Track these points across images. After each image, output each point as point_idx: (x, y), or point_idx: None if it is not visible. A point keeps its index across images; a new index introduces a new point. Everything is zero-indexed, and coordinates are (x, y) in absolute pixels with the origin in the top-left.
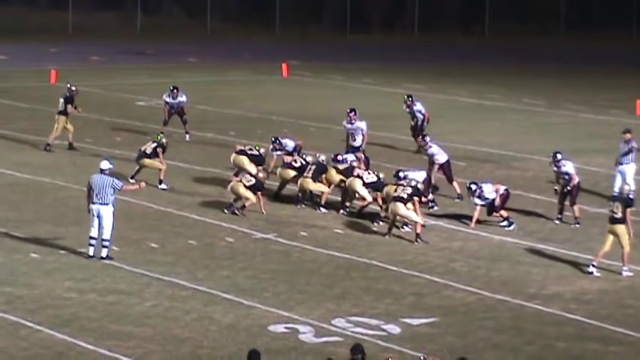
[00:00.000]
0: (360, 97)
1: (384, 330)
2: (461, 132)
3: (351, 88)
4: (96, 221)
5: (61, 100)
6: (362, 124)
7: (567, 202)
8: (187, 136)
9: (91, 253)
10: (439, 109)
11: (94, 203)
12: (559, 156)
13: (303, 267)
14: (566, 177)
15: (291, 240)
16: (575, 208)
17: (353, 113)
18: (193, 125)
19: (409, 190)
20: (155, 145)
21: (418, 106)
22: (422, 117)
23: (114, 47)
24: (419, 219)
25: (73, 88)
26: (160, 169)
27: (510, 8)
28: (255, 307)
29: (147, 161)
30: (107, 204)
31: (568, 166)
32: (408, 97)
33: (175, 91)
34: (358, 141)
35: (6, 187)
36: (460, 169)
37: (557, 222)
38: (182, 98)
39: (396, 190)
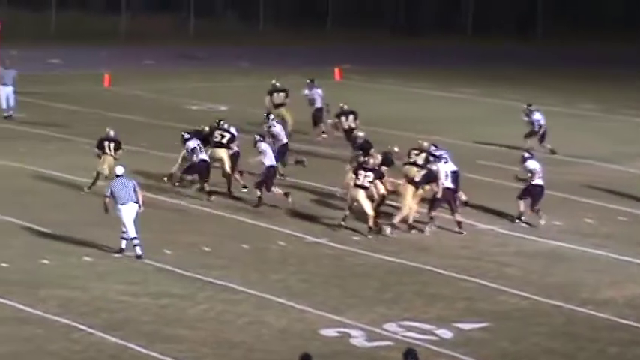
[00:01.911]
0: (412, 101)
1: (436, 334)
2: (515, 136)
3: (402, 91)
4: (127, 219)
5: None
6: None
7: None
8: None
9: (123, 245)
10: (491, 113)
11: (123, 204)
12: (526, 154)
13: (355, 271)
14: (529, 175)
15: (343, 244)
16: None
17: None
18: (245, 129)
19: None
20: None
21: (537, 116)
22: (539, 127)
23: (167, 51)
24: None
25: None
26: (230, 170)
27: (564, 12)
28: (307, 311)
29: (220, 152)
30: (136, 202)
31: (532, 164)
32: (527, 106)
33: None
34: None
35: (59, 190)
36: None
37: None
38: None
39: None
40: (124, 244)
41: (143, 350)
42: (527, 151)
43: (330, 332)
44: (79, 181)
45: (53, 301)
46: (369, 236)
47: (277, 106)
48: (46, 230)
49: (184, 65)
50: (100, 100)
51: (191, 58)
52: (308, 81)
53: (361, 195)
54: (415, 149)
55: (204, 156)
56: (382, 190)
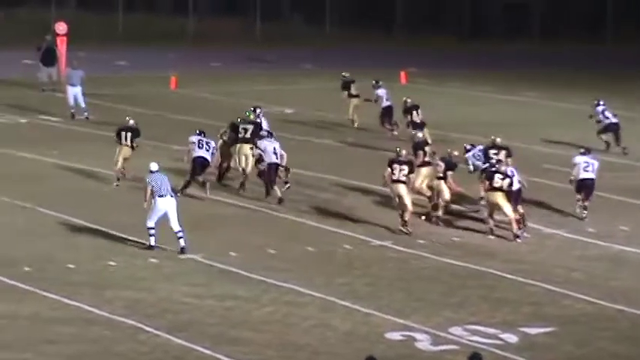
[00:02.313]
0: (477, 105)
1: (501, 339)
2: (581, 139)
3: (468, 95)
4: (160, 214)
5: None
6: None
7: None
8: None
9: (152, 242)
10: (557, 116)
11: (162, 196)
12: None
13: (420, 274)
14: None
15: (409, 247)
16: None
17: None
18: (311, 132)
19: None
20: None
21: (603, 110)
22: (609, 124)
23: (233, 53)
24: None
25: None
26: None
27: (632, 15)
28: (373, 314)
29: (246, 147)
30: (172, 196)
31: (578, 158)
32: (596, 102)
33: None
34: None
35: (127, 192)
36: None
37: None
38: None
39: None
40: (152, 240)
41: (208, 352)
42: (583, 147)
43: (395, 336)
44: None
45: (119, 302)
46: (406, 231)
47: (353, 97)
48: (112, 232)
49: (251, 68)
50: (166, 102)
51: (258, 60)
52: (373, 82)
53: (402, 189)
54: (492, 148)
55: (202, 152)
56: (447, 196)
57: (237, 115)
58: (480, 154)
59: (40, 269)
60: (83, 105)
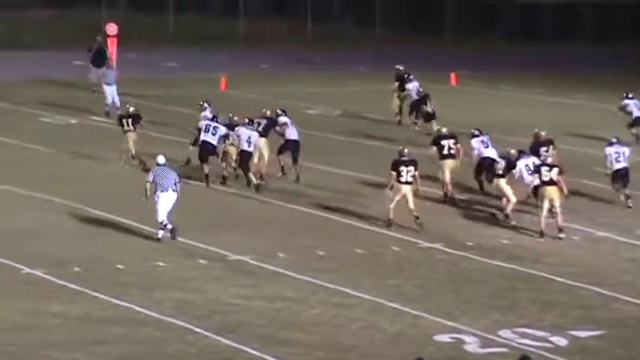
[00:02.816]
0: (527, 107)
1: (550, 342)
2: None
3: (518, 97)
4: (165, 207)
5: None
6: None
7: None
8: None
9: (160, 236)
10: (608, 119)
11: (163, 192)
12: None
13: (469, 277)
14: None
15: (458, 250)
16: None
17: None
18: (360, 133)
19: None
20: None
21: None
22: (636, 117)
23: (283, 55)
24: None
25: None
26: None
27: None
28: (421, 316)
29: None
30: (174, 191)
31: (608, 149)
32: (626, 95)
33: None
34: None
35: None
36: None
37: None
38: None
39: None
40: (160, 234)
41: (256, 353)
42: (615, 137)
43: (444, 338)
44: (195, 185)
45: (169, 303)
46: (417, 227)
47: (403, 91)
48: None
49: (301, 69)
50: (216, 103)
51: (308, 62)
52: (405, 76)
53: (409, 190)
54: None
55: (208, 137)
56: (513, 198)
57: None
58: (532, 166)
59: (90, 270)
60: (118, 104)
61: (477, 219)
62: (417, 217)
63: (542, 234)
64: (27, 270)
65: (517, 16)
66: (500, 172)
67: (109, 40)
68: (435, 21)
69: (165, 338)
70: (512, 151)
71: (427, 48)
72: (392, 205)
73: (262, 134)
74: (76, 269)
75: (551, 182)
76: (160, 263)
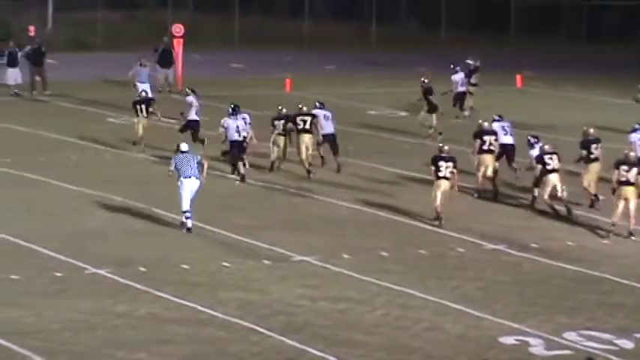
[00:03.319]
0: (592, 109)
1: (616, 345)
2: None
3: (583, 99)
4: (189, 194)
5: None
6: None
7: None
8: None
9: (189, 225)
10: None
11: (186, 177)
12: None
13: (534, 279)
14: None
15: (522, 251)
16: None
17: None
18: (419, 134)
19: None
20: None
21: None
22: None
23: (348, 56)
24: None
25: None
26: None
27: None
28: (485, 318)
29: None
30: (197, 178)
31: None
32: None
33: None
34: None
35: (243, 194)
36: None
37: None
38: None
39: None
40: (189, 223)
41: (320, 354)
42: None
43: (509, 340)
44: (258, 185)
45: (233, 303)
46: (435, 223)
47: (472, 85)
48: (226, 233)
49: (366, 71)
50: (281, 104)
51: (373, 63)
52: (451, 67)
53: (446, 185)
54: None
55: (235, 136)
56: (563, 193)
57: (351, 118)
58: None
59: (155, 269)
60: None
61: (540, 220)
62: (438, 216)
63: (608, 232)
64: (92, 270)
65: (583, 16)
66: (555, 167)
67: (175, 41)
68: (500, 23)
69: (229, 338)
70: (547, 147)
71: (492, 49)
72: (437, 203)
73: (308, 130)
74: (141, 269)
75: (628, 182)
76: (225, 264)
